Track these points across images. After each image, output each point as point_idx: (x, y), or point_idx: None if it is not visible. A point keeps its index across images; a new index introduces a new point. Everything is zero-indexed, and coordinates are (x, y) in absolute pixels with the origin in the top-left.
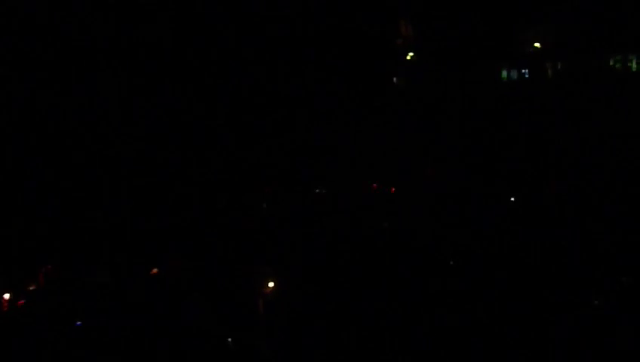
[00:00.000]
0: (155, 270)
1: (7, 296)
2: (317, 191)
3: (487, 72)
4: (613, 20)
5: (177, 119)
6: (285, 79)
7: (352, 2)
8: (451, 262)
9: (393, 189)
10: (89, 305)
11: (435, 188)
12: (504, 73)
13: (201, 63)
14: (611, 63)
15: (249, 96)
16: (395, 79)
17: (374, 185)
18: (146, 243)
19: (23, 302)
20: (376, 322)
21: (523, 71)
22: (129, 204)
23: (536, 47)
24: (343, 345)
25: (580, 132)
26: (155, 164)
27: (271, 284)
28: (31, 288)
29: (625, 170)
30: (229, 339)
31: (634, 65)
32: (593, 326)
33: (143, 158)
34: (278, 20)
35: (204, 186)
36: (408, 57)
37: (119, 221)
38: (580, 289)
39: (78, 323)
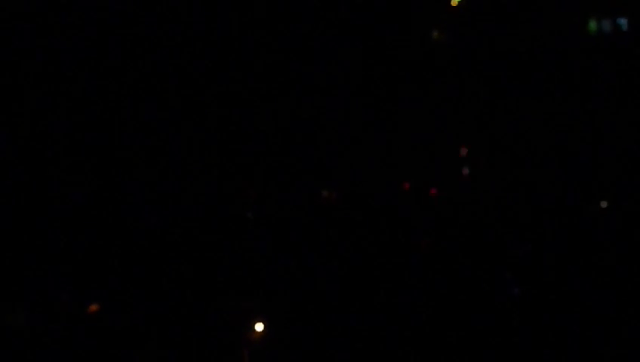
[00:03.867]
0: (93, 307)
1: None
2: (323, 193)
3: (567, 20)
4: None
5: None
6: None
7: None
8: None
9: (434, 191)
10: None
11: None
12: (592, 24)
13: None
14: None
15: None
16: (434, 32)
17: (406, 184)
18: (77, 269)
19: None
20: None
21: (620, 21)
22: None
23: None
24: None
25: None
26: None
27: (259, 327)
28: None
29: None
30: None
31: None
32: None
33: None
34: None
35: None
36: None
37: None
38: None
39: None
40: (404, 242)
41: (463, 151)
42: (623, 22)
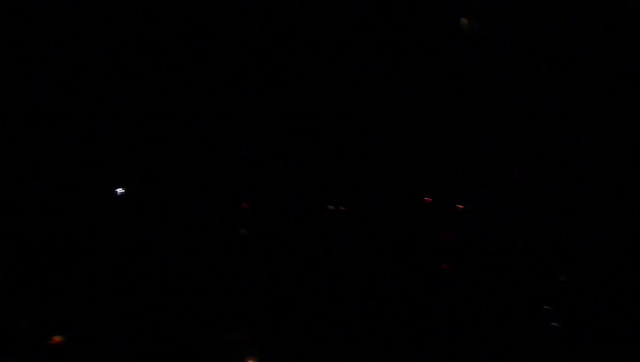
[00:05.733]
0: (57, 338)
1: None
2: (330, 207)
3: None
4: None
5: None
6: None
7: None
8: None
9: (461, 207)
10: None
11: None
12: None
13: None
14: None
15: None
16: (462, 19)
17: (427, 198)
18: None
19: None
20: None
21: None
22: None
23: None
24: None
25: None
26: None
27: None
28: None
29: None
30: None
31: None
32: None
33: None
34: None
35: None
36: None
37: None
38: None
39: None
40: (421, 266)
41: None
42: None
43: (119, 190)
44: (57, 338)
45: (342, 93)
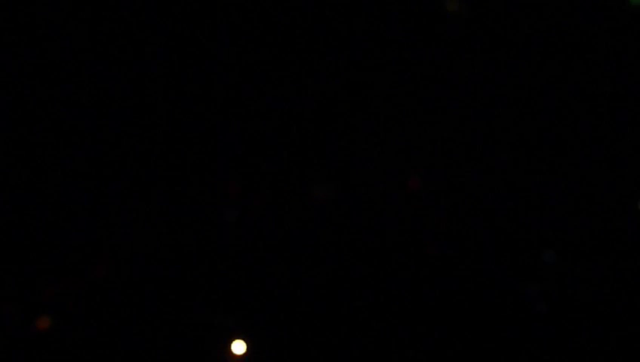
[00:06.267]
0: (43, 321)
1: None
2: (316, 193)
3: None
4: None
5: None
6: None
7: None
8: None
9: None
10: None
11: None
12: None
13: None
14: None
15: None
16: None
17: (413, 181)
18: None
19: None
20: None
21: None
22: None
23: None
24: None
25: None
26: None
27: (239, 348)
28: None
29: None
30: None
31: None
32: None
33: None
34: None
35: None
36: None
37: None
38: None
39: None
40: (407, 249)
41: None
42: None
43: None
44: (44, 321)
45: (326, 85)
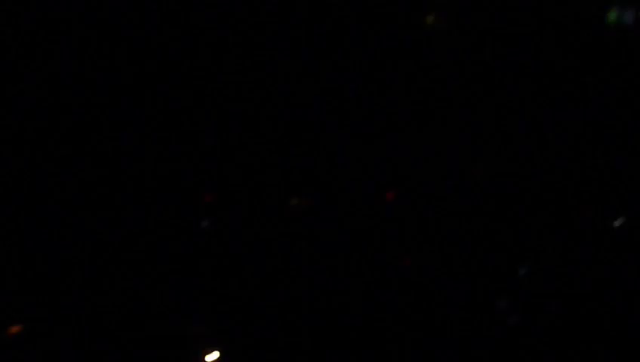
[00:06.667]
0: (14, 328)
1: None
2: (294, 202)
3: (584, 11)
4: None
5: None
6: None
7: None
8: None
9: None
10: None
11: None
12: (612, 15)
13: None
14: None
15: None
16: (429, 17)
17: (389, 194)
18: None
19: None
20: None
21: None
22: None
23: None
24: None
25: None
26: None
27: (211, 358)
28: None
29: None
30: None
31: None
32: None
33: None
34: None
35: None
36: None
37: None
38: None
39: None
40: (383, 257)
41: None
42: None
43: None
44: (15, 328)
45: (313, 88)
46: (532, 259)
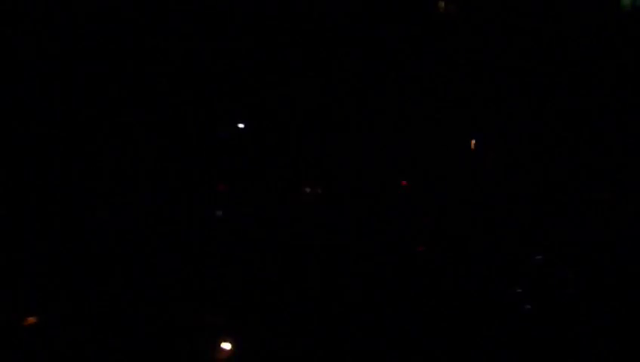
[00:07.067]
0: (30, 319)
1: None
2: (307, 190)
3: None
4: None
5: None
6: None
7: None
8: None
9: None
10: None
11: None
12: None
13: None
14: None
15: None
16: (440, 3)
17: (404, 182)
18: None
19: None
20: None
21: None
22: None
23: None
24: None
25: None
26: None
27: (226, 347)
28: None
29: None
30: None
31: None
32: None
33: None
34: None
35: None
36: None
37: None
38: None
39: None
40: (396, 247)
41: (471, 145)
42: None
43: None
44: (31, 319)
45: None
46: (542, 249)
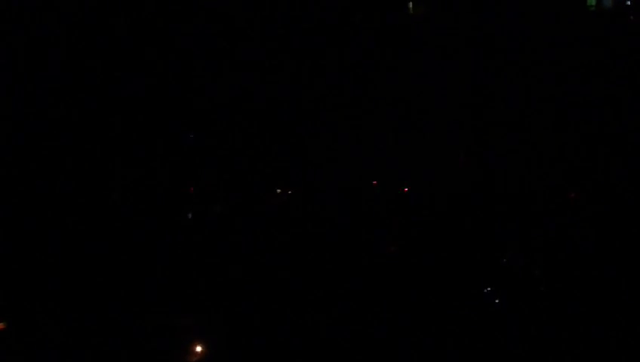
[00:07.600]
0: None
1: None
2: (278, 191)
3: None
4: None
5: None
6: None
7: None
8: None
9: (406, 189)
10: None
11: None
12: None
13: None
14: None
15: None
16: (409, 4)
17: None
18: None
19: None
20: None
21: None
22: None
23: None
24: None
25: None
26: None
27: (197, 349)
28: None
29: None
30: None
31: None
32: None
33: None
34: None
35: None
36: None
37: None
38: None
39: None
40: (370, 247)
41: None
42: None
43: None
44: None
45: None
46: (520, 249)
